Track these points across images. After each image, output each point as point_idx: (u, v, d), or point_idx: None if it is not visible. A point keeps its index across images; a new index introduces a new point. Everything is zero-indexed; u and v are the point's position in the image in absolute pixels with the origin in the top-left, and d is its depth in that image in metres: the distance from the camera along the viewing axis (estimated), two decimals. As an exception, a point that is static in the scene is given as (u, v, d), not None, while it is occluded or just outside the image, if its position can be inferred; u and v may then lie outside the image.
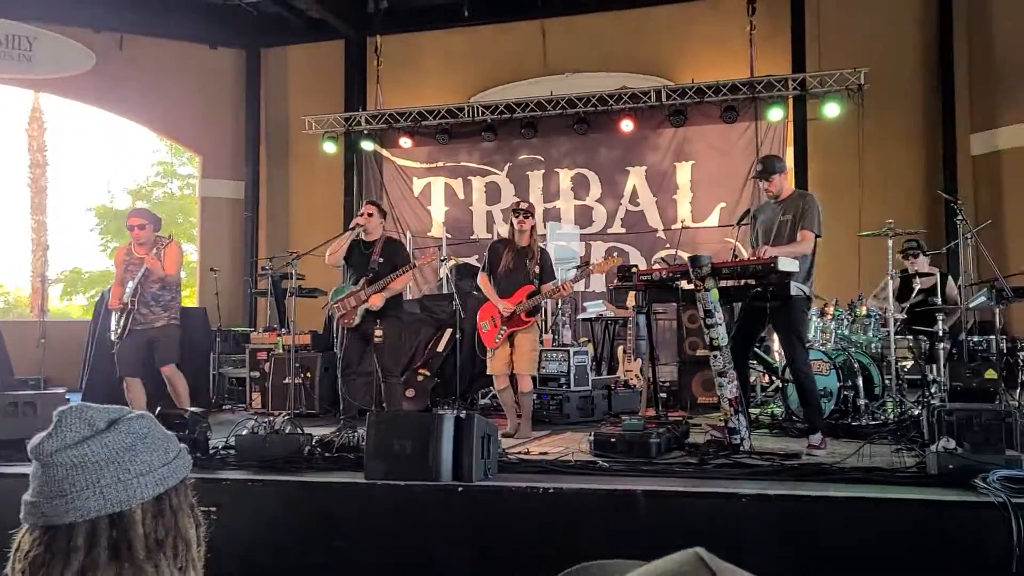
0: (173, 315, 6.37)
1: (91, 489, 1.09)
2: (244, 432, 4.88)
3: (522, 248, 6.24)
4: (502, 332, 6.15)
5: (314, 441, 4.85)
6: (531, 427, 6.28)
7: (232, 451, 4.85)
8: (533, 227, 6.31)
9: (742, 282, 5.09)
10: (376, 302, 5.95)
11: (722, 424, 4.99)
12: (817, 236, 5.30)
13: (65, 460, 1.10)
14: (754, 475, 4.18)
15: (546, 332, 8.38)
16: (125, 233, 6.69)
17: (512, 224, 6.28)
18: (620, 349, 8.75)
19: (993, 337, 6.29)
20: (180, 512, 1.18)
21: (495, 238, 11.33)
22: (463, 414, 4.26)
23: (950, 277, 7.51)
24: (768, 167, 5.47)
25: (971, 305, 6.43)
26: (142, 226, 6.31)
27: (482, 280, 6.36)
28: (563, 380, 7.61)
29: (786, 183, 5.57)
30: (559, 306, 8.94)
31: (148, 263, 6.10)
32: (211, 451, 4.88)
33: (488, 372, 6.38)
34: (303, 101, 13.04)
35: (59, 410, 1.14)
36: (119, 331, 6.21)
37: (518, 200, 6.55)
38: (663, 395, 7.84)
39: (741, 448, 4.81)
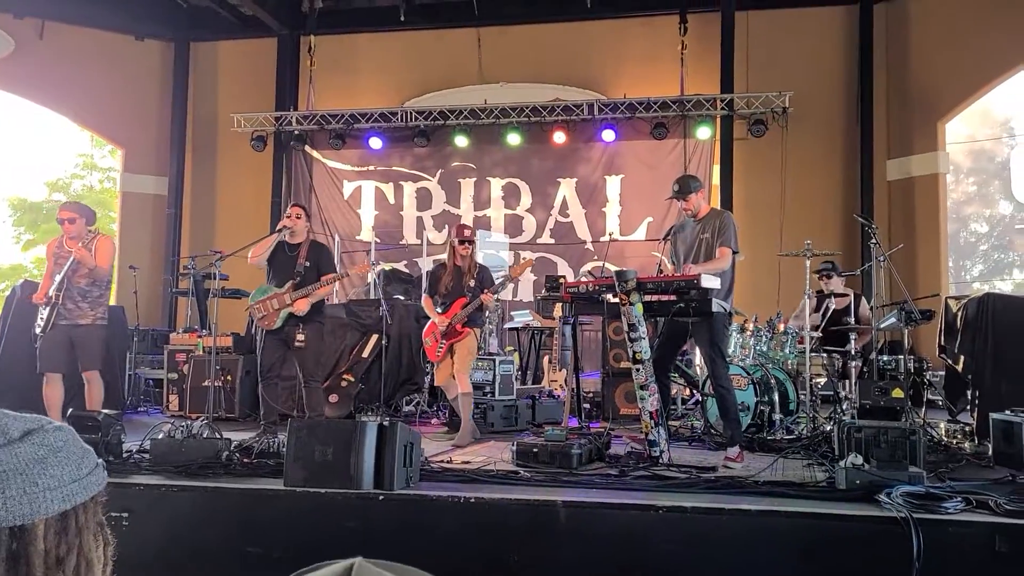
0: (100, 315, 6.15)
1: None
2: (160, 436, 4.75)
3: (460, 267, 6.48)
4: (442, 345, 6.43)
5: (232, 446, 4.76)
6: (471, 429, 6.34)
7: (146, 455, 4.72)
8: (473, 250, 6.57)
9: (666, 297, 5.18)
10: (302, 307, 5.88)
11: (643, 436, 5.08)
12: (735, 252, 5.43)
13: None
14: (671, 487, 4.27)
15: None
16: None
17: (454, 247, 6.50)
18: (546, 359, 8.82)
19: (902, 357, 6.55)
20: (86, 531, 1.15)
21: (424, 242, 11.38)
22: (386, 422, 4.25)
23: (863, 298, 7.80)
24: (684, 187, 5.57)
25: (881, 326, 6.68)
26: (72, 220, 6.09)
27: (426, 302, 6.69)
28: (488, 389, 7.63)
29: (703, 202, 5.67)
30: (486, 315, 8.97)
31: (77, 254, 5.88)
32: (124, 455, 4.74)
33: (436, 384, 6.79)
34: (233, 98, 12.79)
35: None
36: (43, 325, 5.98)
37: (461, 226, 6.64)
38: (586, 406, 7.94)
39: (660, 460, 4.91)
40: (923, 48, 11.00)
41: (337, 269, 6.32)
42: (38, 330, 6.05)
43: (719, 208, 6.55)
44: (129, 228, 13.06)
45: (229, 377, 7.96)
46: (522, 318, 9.69)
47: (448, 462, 5.05)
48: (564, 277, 5.68)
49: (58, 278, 5.97)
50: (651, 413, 4.97)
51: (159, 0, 12.48)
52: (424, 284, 6.92)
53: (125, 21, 12.55)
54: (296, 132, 12.23)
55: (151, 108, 12.94)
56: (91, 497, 1.18)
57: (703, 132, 11.09)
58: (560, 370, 8.48)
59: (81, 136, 20.32)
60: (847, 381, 6.81)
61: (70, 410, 5.39)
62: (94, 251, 5.99)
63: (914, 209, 11.02)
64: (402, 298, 9.09)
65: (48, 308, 5.98)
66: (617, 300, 5.07)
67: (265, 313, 5.95)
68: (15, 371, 7.91)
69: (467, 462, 5.07)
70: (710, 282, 4.96)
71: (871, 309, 6.98)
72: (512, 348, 9.66)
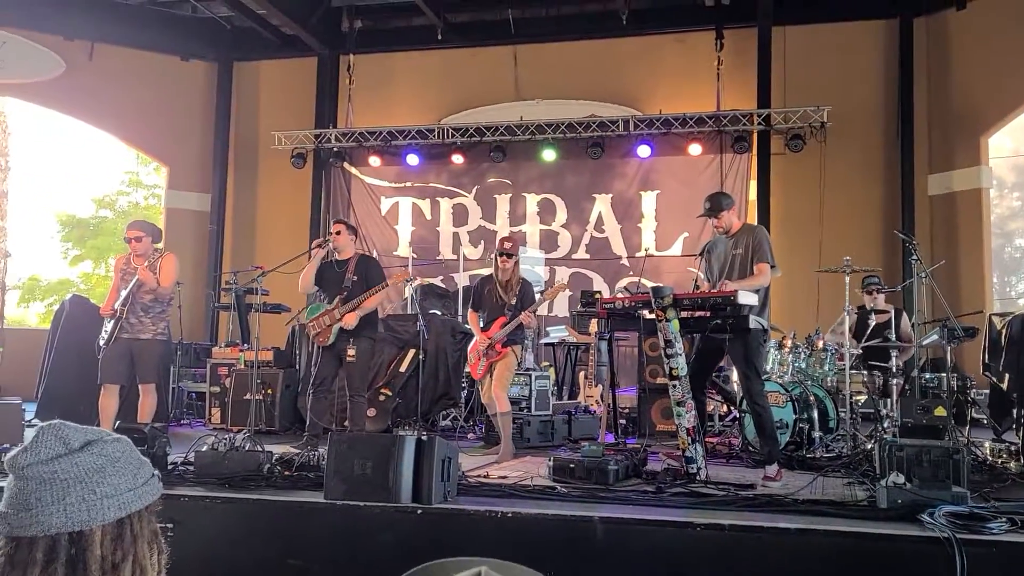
0: (161, 330, 6.34)
1: (56, 506, 1.12)
2: (203, 448, 4.84)
3: (504, 282, 6.50)
4: (482, 364, 6.50)
5: (274, 459, 4.83)
6: (511, 447, 6.36)
7: (190, 467, 4.81)
8: (516, 263, 6.57)
9: (702, 313, 5.17)
10: (350, 321, 5.99)
11: (679, 453, 5.07)
12: (772, 267, 5.40)
13: (35, 475, 1.13)
14: (709, 504, 4.25)
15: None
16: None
17: (496, 261, 6.53)
18: (582, 375, 8.82)
19: (945, 375, 6.45)
20: (140, 538, 1.20)
21: (460, 258, 11.46)
22: (424, 436, 4.29)
23: (904, 313, 7.70)
24: (715, 204, 5.55)
25: (924, 343, 6.60)
26: (139, 238, 6.30)
27: (471, 317, 6.74)
28: (524, 404, 7.66)
29: (735, 218, 5.64)
30: (527, 331, 9.01)
31: (140, 275, 6.09)
32: (169, 467, 4.84)
33: (483, 402, 6.85)
34: (273, 116, 13.04)
35: (39, 426, 1.18)
36: (107, 337, 6.17)
37: (503, 239, 6.69)
38: (623, 422, 7.92)
39: (697, 477, 4.89)
40: (965, 61, 10.87)
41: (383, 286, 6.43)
42: (102, 342, 6.23)
43: (751, 223, 6.53)
44: (173, 244, 13.26)
45: (270, 391, 8.08)
46: (558, 333, 9.70)
47: (485, 477, 5.08)
48: (600, 293, 5.72)
49: (124, 293, 6.16)
50: (688, 430, 4.96)
51: (204, 22, 12.78)
52: (462, 299, 6.92)
53: (171, 42, 12.87)
54: (335, 149, 12.42)
55: (195, 126, 13.22)
56: (146, 506, 1.23)
57: (739, 148, 11.04)
58: (596, 386, 8.47)
59: (127, 154, 20.79)
60: (888, 399, 6.71)
61: (118, 422, 5.52)
62: (158, 270, 6.18)
63: (957, 224, 10.86)
64: (439, 313, 9.15)
65: (113, 321, 6.16)
66: (653, 316, 5.08)
67: (319, 330, 6.10)
68: (65, 382, 8.13)
69: (504, 477, 5.09)
70: (747, 298, 4.95)
71: (912, 326, 6.89)
72: (548, 363, 9.67)
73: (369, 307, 6.14)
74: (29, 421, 7.67)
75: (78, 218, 22.60)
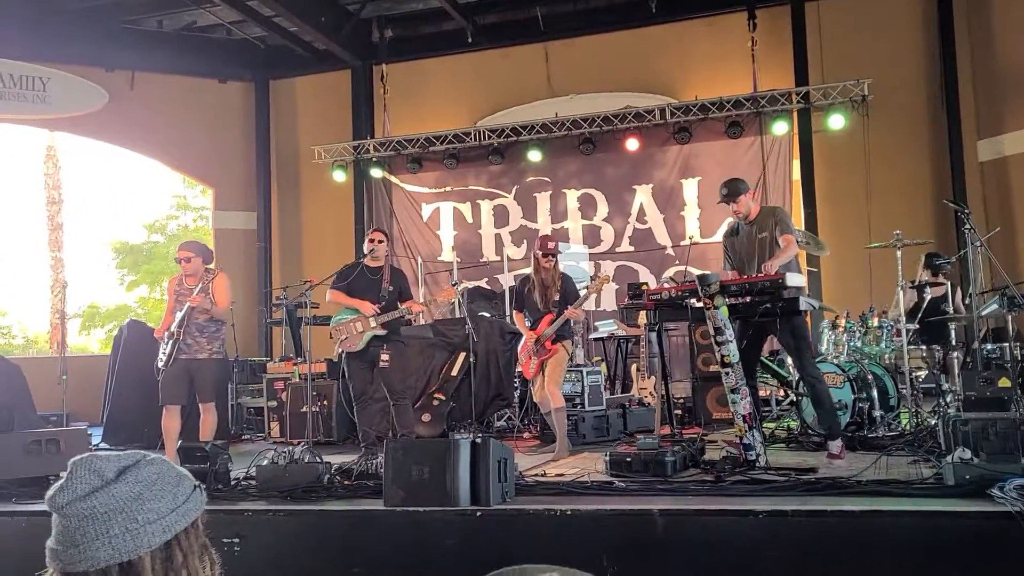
0: (217, 349, 6.42)
1: (101, 540, 1.14)
2: (264, 462, 4.93)
3: (545, 281, 6.51)
4: (533, 363, 6.51)
5: (333, 469, 4.90)
6: (567, 444, 6.36)
7: (253, 482, 4.90)
8: (556, 262, 6.58)
9: (750, 299, 5.11)
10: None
11: (737, 440, 5.01)
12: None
13: (76, 512, 1.15)
14: (770, 491, 4.19)
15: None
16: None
17: (537, 259, 6.53)
18: (634, 367, 8.77)
19: (1007, 344, 6.28)
20: (190, 555, 1.22)
21: (504, 259, 11.48)
22: (479, 438, 4.31)
23: (958, 287, 7.51)
24: (732, 190, 5.53)
25: (983, 313, 6.42)
26: (188, 259, 6.41)
27: (516, 317, 6.78)
28: (577, 400, 7.64)
29: (752, 203, 5.61)
30: (575, 325, 9.00)
31: (193, 302, 6.18)
32: (232, 482, 4.93)
33: (535, 400, 6.85)
34: (312, 131, 13.21)
35: (72, 460, 1.20)
36: (165, 359, 6.29)
37: (544, 238, 6.69)
38: (678, 412, 7.86)
39: (757, 464, 4.83)
40: (1007, 21, 10.54)
41: (420, 292, 6.51)
42: (160, 364, 6.36)
43: (770, 206, 6.43)
44: (223, 263, 13.46)
45: (326, 402, 8.18)
46: (607, 328, 9.66)
47: (542, 475, 5.08)
48: (646, 284, 5.64)
49: (179, 315, 6.27)
50: (744, 416, 4.90)
51: (238, 43, 13.01)
52: (509, 299, 6.94)
53: (208, 66, 13.12)
54: (374, 159, 12.53)
55: (237, 146, 13.46)
56: (191, 522, 1.25)
57: (780, 128, 10.86)
58: (649, 377, 8.42)
59: (174, 178, 21.26)
60: (949, 373, 6.55)
61: (179, 442, 5.64)
62: (211, 291, 6.27)
63: (1011, 189, 10.54)
64: (488, 315, 9.16)
65: (170, 343, 6.28)
66: (701, 304, 5.03)
67: (348, 335, 6.12)
68: (128, 405, 8.34)
69: (561, 475, 5.09)
70: (795, 280, 4.88)
71: (969, 296, 6.72)
72: (599, 358, 9.64)
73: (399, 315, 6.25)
74: (96, 446, 7.89)
75: (131, 244, 23.18)
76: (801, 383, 5.97)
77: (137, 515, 1.17)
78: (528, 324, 6.58)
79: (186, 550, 1.22)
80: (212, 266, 6.59)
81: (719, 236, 11.15)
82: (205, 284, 6.28)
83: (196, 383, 6.29)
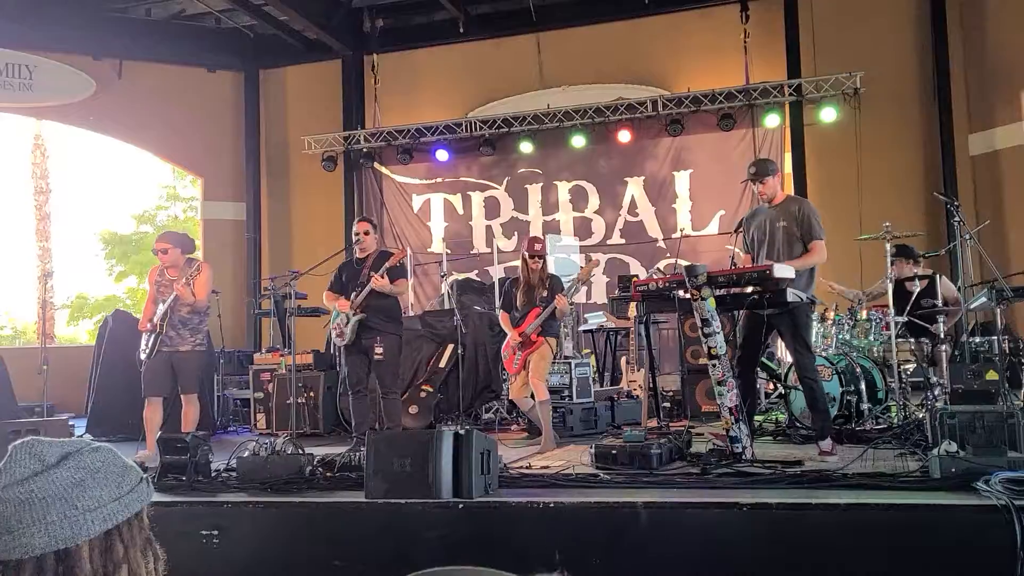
0: (199, 341, 6.39)
1: (37, 526, 1.08)
2: (245, 454, 4.87)
3: (532, 280, 6.49)
4: (518, 358, 6.45)
5: (316, 461, 4.84)
6: (553, 437, 6.31)
7: (233, 473, 4.84)
8: (544, 263, 6.55)
9: (738, 290, 5.07)
10: (378, 283, 5.92)
11: (723, 433, 4.98)
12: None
13: (12, 496, 1.09)
14: (756, 483, 4.16)
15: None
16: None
17: (525, 261, 6.51)
18: (623, 360, 8.73)
19: (995, 337, 6.26)
20: (132, 548, 1.16)
21: (494, 251, 11.42)
22: (462, 430, 4.26)
23: (944, 277, 7.48)
24: (761, 169, 5.45)
25: (971, 306, 6.40)
26: (165, 250, 6.35)
27: (503, 318, 6.72)
28: (565, 392, 7.60)
29: (779, 187, 5.55)
30: (561, 323, 8.95)
31: (177, 291, 6.13)
32: (212, 474, 4.88)
33: (511, 398, 6.80)
34: (302, 121, 13.12)
35: (12, 444, 1.14)
36: (147, 351, 6.24)
37: (532, 239, 6.65)
38: (667, 404, 7.83)
39: (743, 457, 4.79)
40: (999, 15, 10.51)
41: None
42: (143, 356, 6.31)
43: (796, 195, 6.39)
44: (212, 254, 13.48)
45: (312, 394, 8.12)
46: (596, 320, 9.62)
47: (527, 468, 5.04)
48: (636, 277, 5.62)
49: (161, 308, 6.21)
50: (731, 409, 4.86)
51: (227, 32, 12.90)
52: (497, 299, 6.88)
53: (197, 55, 13.01)
54: (364, 150, 12.46)
55: (226, 136, 13.36)
56: (135, 514, 1.19)
57: (772, 120, 10.85)
58: (638, 370, 8.38)
59: (163, 168, 21.14)
60: (937, 366, 6.53)
61: (159, 433, 5.58)
62: (193, 284, 6.20)
63: (1001, 183, 10.52)
64: (479, 308, 9.10)
65: (152, 335, 6.23)
66: (689, 296, 4.99)
67: (340, 331, 6.09)
68: (113, 397, 8.27)
69: (546, 467, 5.05)
70: (782, 271, 4.83)
71: (959, 289, 6.69)
72: (588, 351, 9.60)
73: (382, 286, 6.02)
74: (80, 437, 7.82)
75: (120, 235, 23.04)
76: (789, 377, 5.94)
77: (77, 502, 1.12)
78: (514, 324, 6.54)
79: (127, 542, 1.16)
80: (196, 256, 6.52)
81: (711, 229, 11.17)
82: (189, 276, 6.22)
83: (178, 375, 6.25)
